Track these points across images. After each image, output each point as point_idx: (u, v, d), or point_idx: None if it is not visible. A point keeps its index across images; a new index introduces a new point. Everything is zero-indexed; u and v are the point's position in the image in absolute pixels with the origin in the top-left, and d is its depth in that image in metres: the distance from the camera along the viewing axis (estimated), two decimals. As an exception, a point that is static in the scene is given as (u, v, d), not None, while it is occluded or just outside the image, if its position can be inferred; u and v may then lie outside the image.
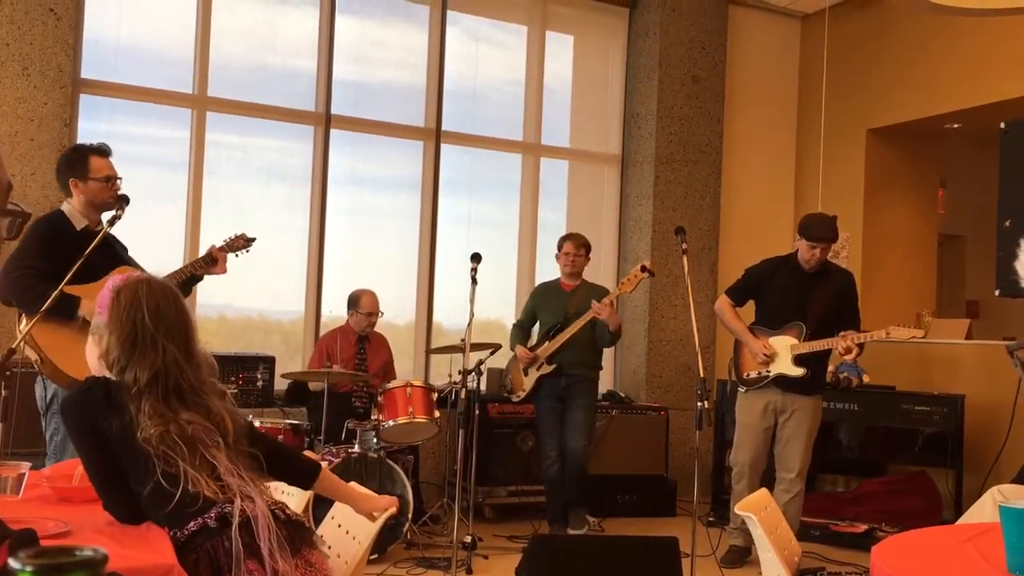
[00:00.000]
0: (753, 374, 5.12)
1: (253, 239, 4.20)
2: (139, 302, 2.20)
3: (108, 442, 2.13)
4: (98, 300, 2.25)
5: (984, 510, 3.53)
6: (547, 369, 5.50)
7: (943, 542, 2.27)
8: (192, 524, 2.05)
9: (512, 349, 5.73)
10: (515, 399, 5.69)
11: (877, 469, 6.49)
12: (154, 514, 2.12)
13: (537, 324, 5.78)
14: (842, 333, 4.90)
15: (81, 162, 3.78)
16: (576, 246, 5.67)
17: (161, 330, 2.20)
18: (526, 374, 5.59)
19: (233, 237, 4.16)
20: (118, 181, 3.83)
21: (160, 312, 2.21)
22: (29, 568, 0.86)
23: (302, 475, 2.45)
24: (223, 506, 2.06)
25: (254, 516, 2.05)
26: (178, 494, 2.06)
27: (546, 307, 5.71)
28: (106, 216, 3.74)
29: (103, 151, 3.84)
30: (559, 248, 5.75)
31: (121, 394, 2.15)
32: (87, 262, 3.45)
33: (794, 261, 5.11)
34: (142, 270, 3.86)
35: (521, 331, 5.78)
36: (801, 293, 5.06)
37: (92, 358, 2.27)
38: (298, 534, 2.15)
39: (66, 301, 3.45)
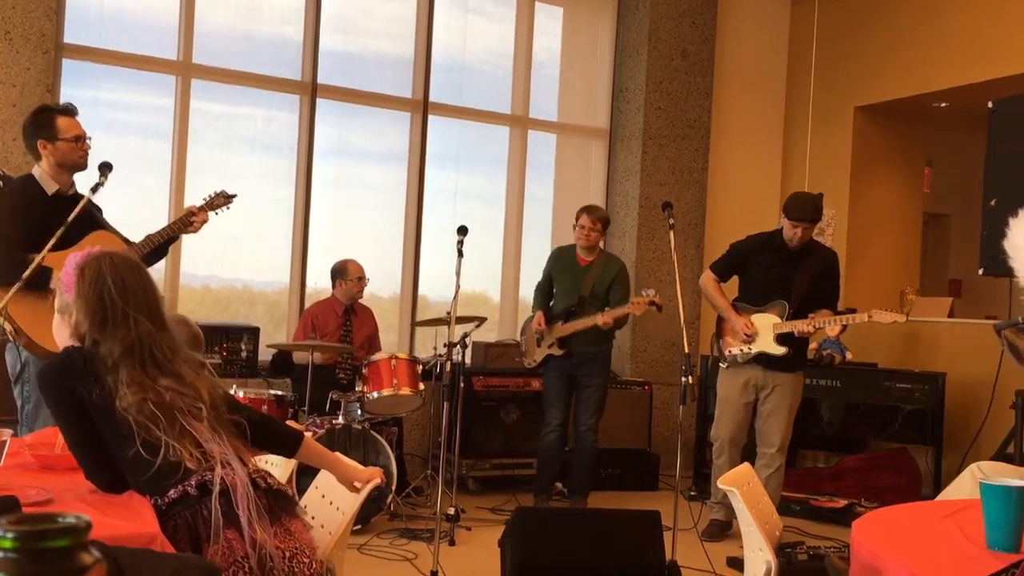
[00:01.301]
0: (735, 351, 5.14)
1: (233, 196, 4.14)
2: (104, 278, 2.19)
3: (87, 410, 2.12)
4: (62, 278, 2.23)
5: (963, 487, 3.55)
6: (557, 351, 5.50)
7: (923, 518, 2.29)
8: (173, 492, 2.05)
9: (533, 312, 5.69)
10: (528, 365, 5.69)
11: (858, 445, 6.54)
12: (135, 480, 2.11)
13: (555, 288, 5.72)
14: (811, 315, 4.92)
15: (48, 123, 3.67)
16: (592, 220, 5.52)
17: (131, 303, 2.19)
18: (539, 344, 5.60)
19: (213, 195, 4.10)
20: (87, 141, 3.74)
21: (127, 286, 2.20)
22: (11, 535, 0.85)
23: (285, 443, 2.44)
24: (203, 474, 2.06)
25: (233, 485, 2.05)
26: (158, 462, 2.06)
27: (561, 279, 5.64)
28: (87, 182, 3.66)
29: (69, 111, 3.74)
30: (576, 219, 5.62)
31: (98, 363, 2.14)
32: (60, 228, 3.34)
33: (779, 238, 5.11)
34: (117, 234, 3.80)
35: (543, 295, 5.71)
36: (785, 271, 5.07)
37: (61, 335, 2.25)
38: (278, 503, 2.15)
39: (39, 271, 3.33)
